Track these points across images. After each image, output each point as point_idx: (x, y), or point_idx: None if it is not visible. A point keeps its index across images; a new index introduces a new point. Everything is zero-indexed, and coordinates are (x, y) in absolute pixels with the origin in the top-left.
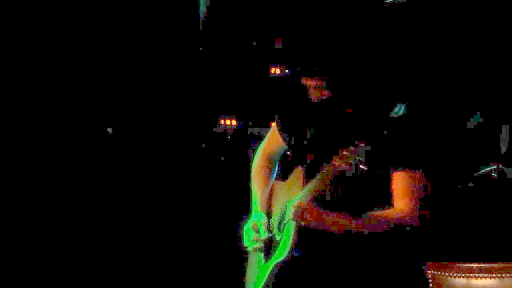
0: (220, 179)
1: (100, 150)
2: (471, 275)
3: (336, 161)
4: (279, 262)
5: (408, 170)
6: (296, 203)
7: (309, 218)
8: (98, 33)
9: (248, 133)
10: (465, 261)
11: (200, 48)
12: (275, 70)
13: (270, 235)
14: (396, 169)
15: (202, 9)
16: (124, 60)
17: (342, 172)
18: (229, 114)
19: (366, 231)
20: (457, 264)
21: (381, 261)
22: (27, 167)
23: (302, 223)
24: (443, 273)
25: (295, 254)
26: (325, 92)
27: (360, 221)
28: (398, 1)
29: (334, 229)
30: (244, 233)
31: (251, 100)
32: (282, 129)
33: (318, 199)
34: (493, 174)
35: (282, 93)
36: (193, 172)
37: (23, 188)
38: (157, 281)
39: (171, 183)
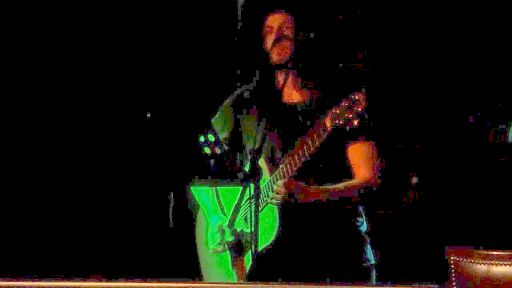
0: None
1: (139, 134)
2: (491, 262)
3: (328, 121)
4: (266, 246)
5: (363, 141)
6: (279, 183)
7: (297, 192)
8: (135, 19)
9: None
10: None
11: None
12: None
13: (236, 234)
14: (351, 141)
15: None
16: (163, 47)
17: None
18: None
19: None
20: (478, 251)
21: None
22: (67, 148)
23: (293, 199)
24: (464, 260)
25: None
26: (288, 43)
27: (338, 190)
28: None
29: (310, 198)
30: (209, 237)
31: None
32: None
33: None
34: None
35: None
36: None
37: (61, 168)
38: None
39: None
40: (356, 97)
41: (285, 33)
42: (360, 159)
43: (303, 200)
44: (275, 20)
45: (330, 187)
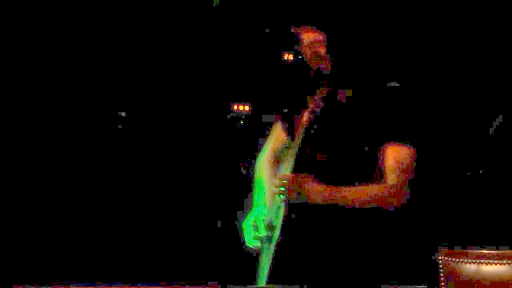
0: (230, 166)
1: (113, 134)
2: (482, 261)
3: (305, 116)
4: (274, 245)
5: (400, 145)
6: (279, 176)
7: (292, 187)
8: (111, 16)
9: (262, 120)
10: (476, 247)
11: (214, 31)
12: (288, 56)
13: (270, 233)
14: (387, 143)
15: None
16: (138, 45)
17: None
18: (242, 100)
19: (350, 203)
20: (468, 250)
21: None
22: (40, 150)
23: (285, 195)
24: (454, 259)
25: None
26: (322, 52)
27: (343, 192)
28: None
29: (315, 197)
30: (244, 230)
31: (263, 86)
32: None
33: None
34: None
35: (294, 80)
36: (204, 158)
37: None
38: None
39: (182, 168)
40: (319, 93)
41: (318, 50)
42: (390, 163)
43: (304, 198)
44: (307, 35)
45: (335, 188)
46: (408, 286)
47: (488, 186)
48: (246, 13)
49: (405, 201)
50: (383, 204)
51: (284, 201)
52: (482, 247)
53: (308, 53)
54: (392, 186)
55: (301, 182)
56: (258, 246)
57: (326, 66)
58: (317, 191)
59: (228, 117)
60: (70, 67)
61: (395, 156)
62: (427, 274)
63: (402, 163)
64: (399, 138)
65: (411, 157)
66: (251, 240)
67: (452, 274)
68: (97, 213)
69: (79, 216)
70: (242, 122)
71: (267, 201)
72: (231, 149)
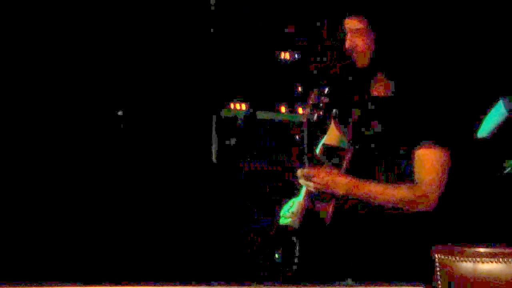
0: (229, 164)
1: (110, 132)
2: (478, 259)
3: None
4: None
5: (434, 146)
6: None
7: (307, 179)
8: (107, 14)
9: (257, 118)
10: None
11: (212, 30)
12: (285, 55)
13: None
14: (420, 145)
15: None
16: (133, 43)
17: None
18: (239, 99)
19: (373, 200)
20: (464, 248)
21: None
22: (37, 147)
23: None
24: (450, 258)
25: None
26: (365, 41)
27: (367, 188)
28: None
29: (337, 189)
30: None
31: (260, 84)
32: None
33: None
34: None
35: (292, 78)
36: (202, 157)
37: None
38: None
39: (181, 167)
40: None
41: (355, 41)
42: (421, 166)
43: (326, 189)
44: (348, 23)
45: (360, 182)
46: (404, 284)
47: (485, 184)
48: (244, 12)
49: (433, 206)
50: (408, 206)
51: (308, 194)
52: (479, 245)
53: (347, 43)
54: (420, 188)
55: (325, 174)
56: (286, 224)
57: (362, 60)
58: (339, 183)
59: (226, 116)
60: (67, 66)
61: (427, 158)
62: (422, 272)
63: (433, 166)
64: (432, 139)
65: (443, 159)
66: (283, 217)
67: (448, 272)
68: (93, 212)
69: (76, 214)
70: (240, 122)
71: None
72: (229, 147)
